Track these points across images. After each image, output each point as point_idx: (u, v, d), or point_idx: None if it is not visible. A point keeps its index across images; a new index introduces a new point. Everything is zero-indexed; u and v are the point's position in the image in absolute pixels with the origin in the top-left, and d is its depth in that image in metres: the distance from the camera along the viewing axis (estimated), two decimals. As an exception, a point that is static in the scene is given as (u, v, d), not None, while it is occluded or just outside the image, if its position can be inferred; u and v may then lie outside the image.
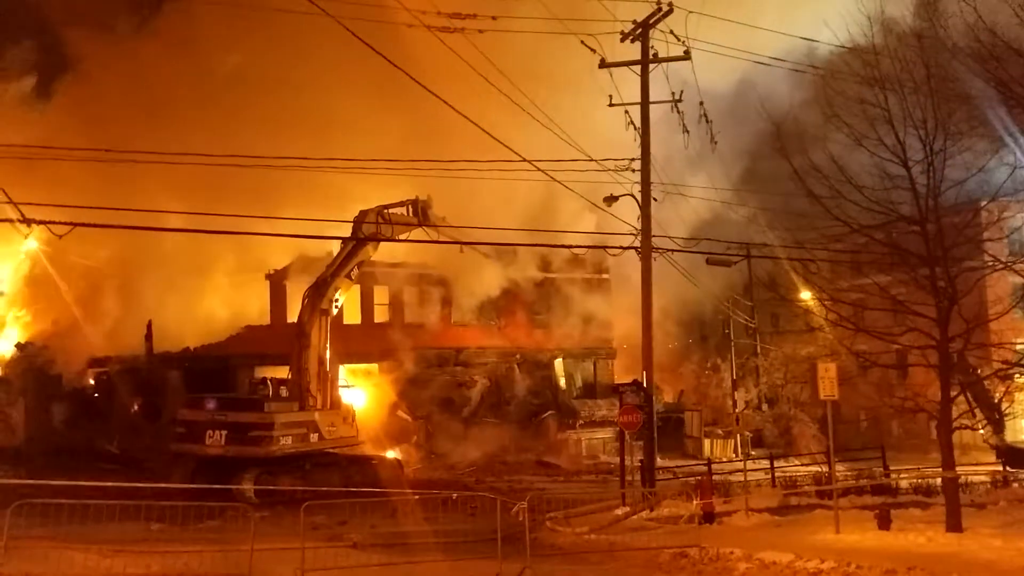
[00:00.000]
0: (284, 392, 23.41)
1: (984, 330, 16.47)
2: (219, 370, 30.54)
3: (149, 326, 30.53)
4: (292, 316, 27.81)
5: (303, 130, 29.36)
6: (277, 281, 34.17)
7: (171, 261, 30.13)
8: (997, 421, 23.54)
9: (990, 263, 15.75)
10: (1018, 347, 17.40)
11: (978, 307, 16.04)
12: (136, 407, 30.37)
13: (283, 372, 24.56)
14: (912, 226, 15.21)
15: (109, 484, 15.12)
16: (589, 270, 38.35)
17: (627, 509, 19.42)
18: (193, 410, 22.78)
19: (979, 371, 18.32)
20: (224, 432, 21.51)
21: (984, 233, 15.77)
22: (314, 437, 22.78)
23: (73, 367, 30.31)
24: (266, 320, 34.05)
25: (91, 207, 17.66)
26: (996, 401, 21.50)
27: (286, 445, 21.89)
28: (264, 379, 24.16)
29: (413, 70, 17.20)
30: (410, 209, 25.35)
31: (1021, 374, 18.66)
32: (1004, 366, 17.09)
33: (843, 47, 15.60)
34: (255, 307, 34.32)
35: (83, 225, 16.33)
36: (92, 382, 31.37)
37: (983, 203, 15.56)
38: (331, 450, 23.66)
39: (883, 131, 14.69)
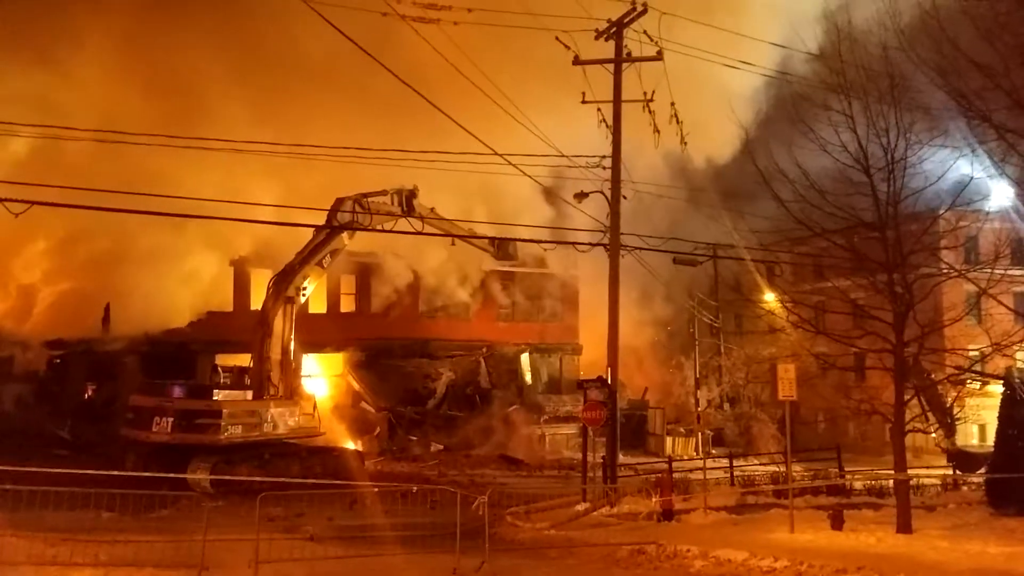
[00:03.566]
0: (247, 380, 23.16)
1: (938, 336, 16.83)
2: (179, 356, 30.13)
3: (107, 309, 30.02)
4: (256, 303, 27.58)
5: (276, 116, 29.04)
6: (241, 267, 33.79)
7: (134, 244, 29.63)
8: (949, 425, 24.08)
9: (945, 270, 16.09)
10: (970, 353, 17.80)
11: (933, 313, 16.40)
12: (90, 392, 29.87)
13: (245, 360, 24.30)
14: (872, 232, 15.48)
15: (59, 471, 14.82)
16: (558, 266, 38.48)
17: (588, 505, 19.54)
18: (143, 396, 22.46)
19: (932, 376, 18.69)
20: (171, 419, 21.17)
21: (941, 241, 16.10)
22: (268, 427, 22.47)
23: (27, 349, 29.71)
24: (229, 307, 33.67)
25: (50, 185, 17.30)
26: (948, 406, 21.98)
27: (235, 434, 21.49)
28: (215, 366, 23.81)
29: (389, 59, 17.12)
30: (394, 198, 25.09)
31: (972, 380, 19.10)
32: (956, 371, 17.49)
33: (812, 54, 15.81)
34: (219, 293, 33.90)
35: (41, 204, 15.97)
36: (46, 365, 30.78)
37: (941, 212, 15.87)
38: (290, 440, 23.45)
39: (847, 138, 14.94)
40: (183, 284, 32.06)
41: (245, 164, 25.26)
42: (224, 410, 21.50)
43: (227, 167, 26.00)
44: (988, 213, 17.37)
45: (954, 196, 15.31)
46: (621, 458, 23.79)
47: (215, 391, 22.34)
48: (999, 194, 17.01)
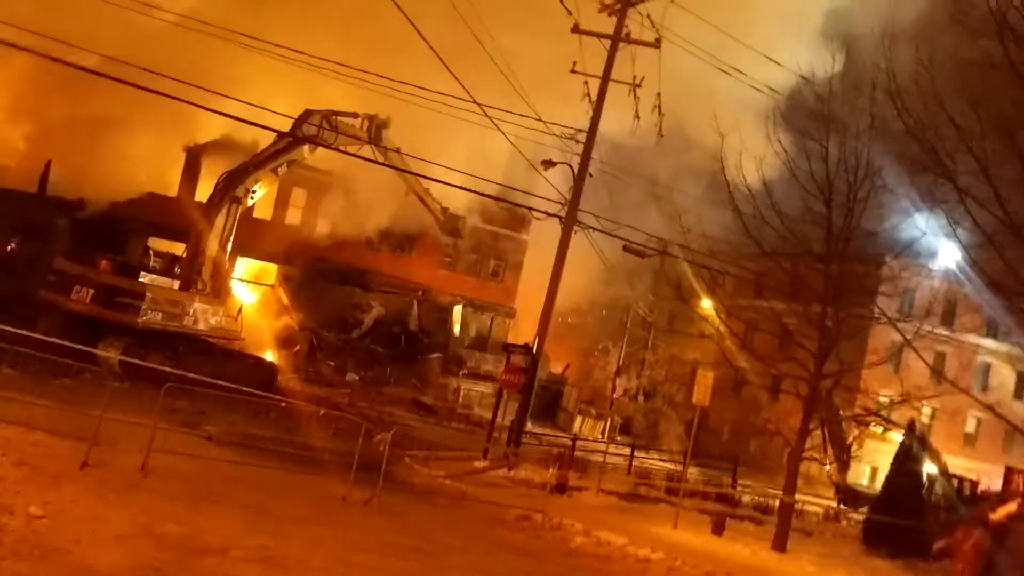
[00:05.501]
0: (176, 269, 22.69)
1: (855, 375, 17.39)
2: (113, 230, 29.20)
3: (47, 166, 28.93)
4: (202, 194, 26.90)
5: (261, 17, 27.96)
6: (194, 156, 32.85)
7: (87, 106, 28.44)
8: (844, 461, 24.96)
9: (877, 315, 16.59)
10: (881, 399, 18.46)
11: (856, 354, 16.89)
12: (13, 246, 28.80)
13: (179, 248, 23.72)
14: (818, 263, 15.85)
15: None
16: (512, 227, 38.49)
17: (486, 463, 19.80)
18: (68, 261, 21.79)
19: (841, 412, 19.36)
20: (92, 291, 20.62)
21: (880, 286, 16.57)
22: (189, 320, 22.06)
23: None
24: (173, 191, 32.78)
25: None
26: (848, 443, 22.79)
27: (153, 320, 20.96)
28: (147, 248, 23.15)
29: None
30: (364, 124, 24.62)
31: (876, 424, 19.83)
32: (863, 413, 18.14)
33: (802, 77, 15.94)
34: (167, 176, 32.94)
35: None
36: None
37: (887, 258, 16.32)
38: (208, 338, 23.11)
39: (816, 167, 15.17)
40: (131, 159, 31.01)
41: (220, 53, 24.37)
42: (148, 293, 21.03)
43: (202, 52, 25.06)
44: (931, 271, 17.92)
45: (903, 247, 15.73)
46: (529, 426, 24.10)
47: (142, 272, 21.84)
48: (946, 254, 17.51)
